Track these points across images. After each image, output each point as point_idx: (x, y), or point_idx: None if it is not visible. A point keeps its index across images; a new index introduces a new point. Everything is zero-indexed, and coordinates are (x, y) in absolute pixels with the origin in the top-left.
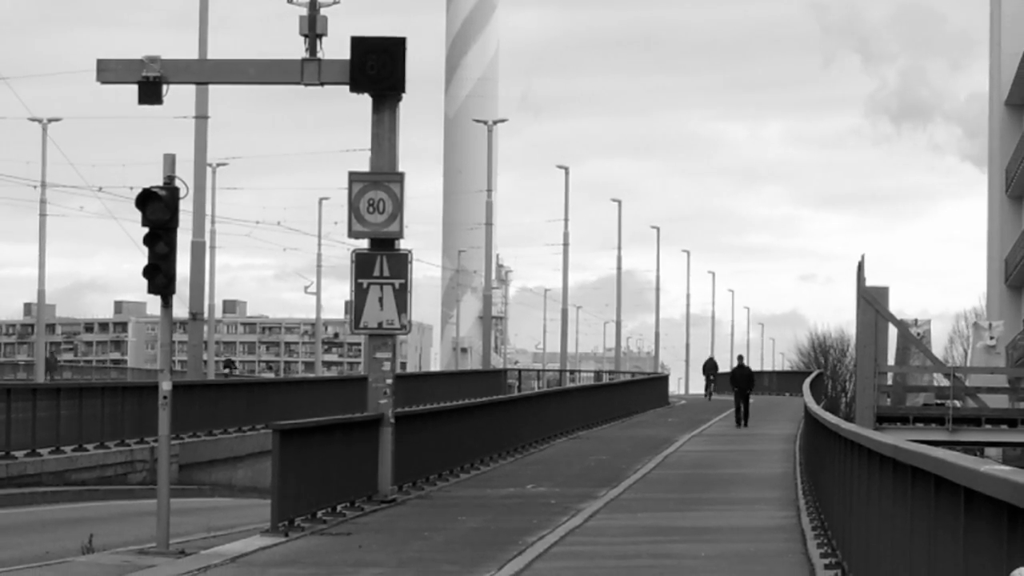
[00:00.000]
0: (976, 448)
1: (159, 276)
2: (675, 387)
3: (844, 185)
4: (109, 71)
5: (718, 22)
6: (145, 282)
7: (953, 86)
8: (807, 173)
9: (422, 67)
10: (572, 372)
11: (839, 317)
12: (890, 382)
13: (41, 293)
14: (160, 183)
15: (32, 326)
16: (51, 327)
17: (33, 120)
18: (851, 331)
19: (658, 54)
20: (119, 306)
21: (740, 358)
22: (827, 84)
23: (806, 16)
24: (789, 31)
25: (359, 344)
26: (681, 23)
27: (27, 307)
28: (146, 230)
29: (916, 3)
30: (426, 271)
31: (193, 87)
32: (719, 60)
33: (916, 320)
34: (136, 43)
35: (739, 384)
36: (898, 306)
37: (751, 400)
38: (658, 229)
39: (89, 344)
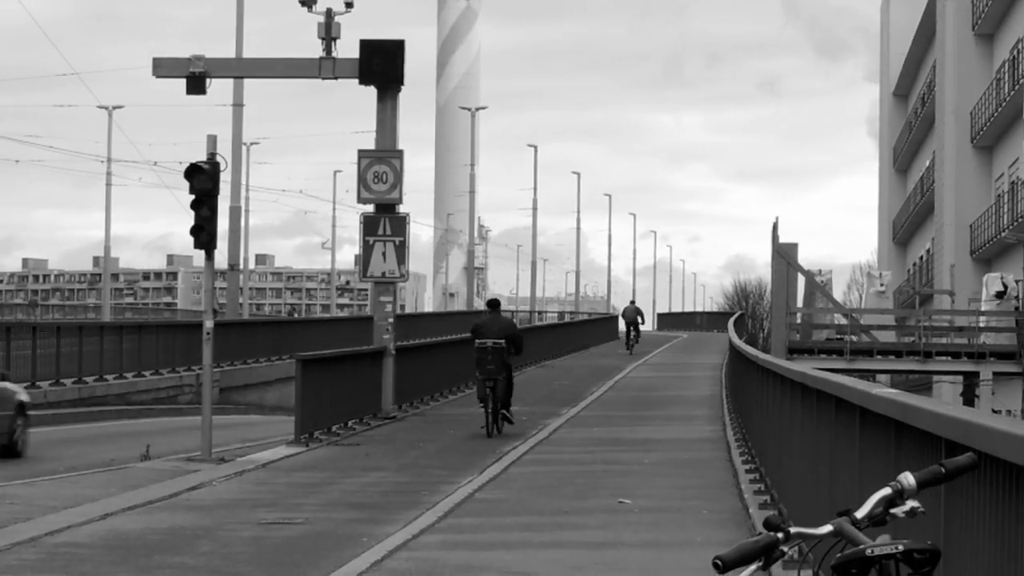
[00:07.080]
0: (869, 375)
1: (203, 234)
2: (623, 325)
3: (759, 162)
4: (163, 67)
5: (643, 34)
6: (192, 239)
7: (850, 80)
8: (726, 153)
9: (418, 65)
10: (540, 313)
11: (758, 268)
12: (799, 321)
13: (107, 249)
14: (204, 159)
15: (99, 275)
16: (115, 276)
17: (101, 108)
18: (768, 279)
19: (599, 59)
20: (170, 259)
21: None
22: (737, 82)
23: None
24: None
25: (366, 290)
26: (616, 35)
27: (95, 260)
28: (193, 197)
29: (818, 5)
30: (420, 230)
31: (231, 81)
32: (646, 64)
33: (820, 271)
34: (168, 50)
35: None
36: (805, 259)
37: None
38: (610, 196)
39: (146, 290)
